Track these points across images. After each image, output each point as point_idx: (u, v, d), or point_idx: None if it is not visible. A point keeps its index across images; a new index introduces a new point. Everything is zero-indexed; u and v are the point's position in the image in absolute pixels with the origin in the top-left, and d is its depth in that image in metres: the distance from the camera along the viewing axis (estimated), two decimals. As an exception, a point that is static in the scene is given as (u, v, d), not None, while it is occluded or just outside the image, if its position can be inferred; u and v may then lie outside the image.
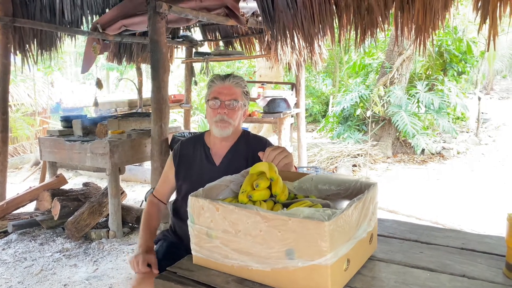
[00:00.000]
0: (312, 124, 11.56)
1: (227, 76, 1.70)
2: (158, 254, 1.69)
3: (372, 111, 7.07)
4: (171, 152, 1.85)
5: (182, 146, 1.82)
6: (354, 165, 6.59)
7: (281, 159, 1.46)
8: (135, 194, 5.26)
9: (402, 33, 2.87)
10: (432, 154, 7.24)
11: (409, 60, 7.54)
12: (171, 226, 1.87)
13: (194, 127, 9.57)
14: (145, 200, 1.86)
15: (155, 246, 1.82)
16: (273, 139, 5.87)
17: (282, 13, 3.27)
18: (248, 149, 1.74)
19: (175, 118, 10.16)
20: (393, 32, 3.00)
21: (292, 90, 5.57)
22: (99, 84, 5.29)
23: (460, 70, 7.77)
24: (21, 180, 6.40)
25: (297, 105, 5.46)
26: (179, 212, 1.78)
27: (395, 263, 1.19)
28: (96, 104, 5.61)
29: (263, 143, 1.76)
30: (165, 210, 1.88)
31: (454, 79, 7.89)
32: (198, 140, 1.82)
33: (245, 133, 1.82)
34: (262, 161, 1.41)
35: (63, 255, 3.35)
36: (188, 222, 1.19)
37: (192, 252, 1.20)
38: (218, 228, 1.11)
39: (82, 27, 4.99)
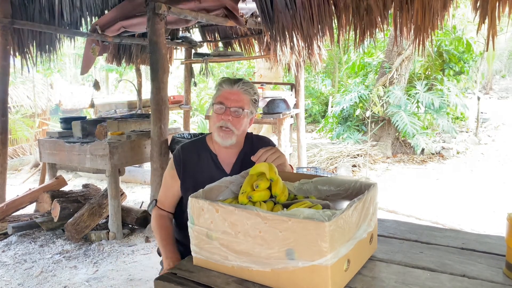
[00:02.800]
0: (312, 125, 11.57)
1: (237, 81, 1.63)
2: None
3: (371, 111, 7.07)
4: (171, 159, 1.72)
5: (184, 153, 1.70)
6: (354, 166, 6.60)
7: (273, 159, 1.46)
8: (135, 196, 5.26)
9: (401, 33, 2.88)
10: (432, 154, 7.25)
11: (408, 60, 7.55)
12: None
13: (194, 128, 9.57)
14: (150, 213, 1.76)
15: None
16: (272, 140, 5.86)
17: (281, 13, 3.27)
18: (254, 151, 1.66)
19: (175, 119, 10.17)
20: (392, 32, 3.00)
21: (291, 90, 5.57)
22: (96, 85, 5.30)
23: (458, 69, 7.77)
24: (21, 182, 6.40)
25: (296, 105, 5.47)
26: (185, 222, 1.69)
27: (395, 263, 1.19)
28: (92, 105, 5.61)
29: (266, 143, 1.74)
30: None
31: (454, 78, 7.89)
32: (201, 145, 1.72)
33: (249, 136, 1.77)
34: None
35: (63, 257, 3.35)
36: (188, 223, 1.19)
37: (192, 253, 1.20)
38: (218, 229, 1.11)
39: (81, 28, 5.00)
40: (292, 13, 3.25)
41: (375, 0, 2.85)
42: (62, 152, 3.99)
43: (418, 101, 7.41)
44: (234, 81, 1.63)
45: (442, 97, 7.24)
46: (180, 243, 1.75)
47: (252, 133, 1.81)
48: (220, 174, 1.66)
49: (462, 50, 7.66)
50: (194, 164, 1.69)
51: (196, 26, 5.81)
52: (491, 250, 1.26)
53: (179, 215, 1.75)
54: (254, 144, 1.73)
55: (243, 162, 1.68)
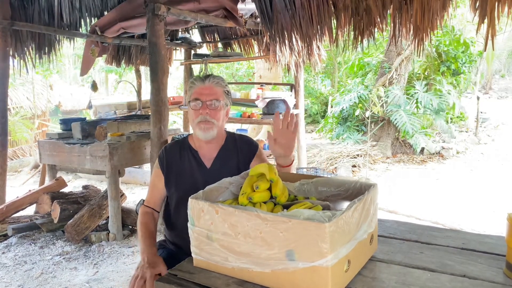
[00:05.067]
0: (311, 125, 11.57)
1: (207, 76, 1.70)
2: None
3: (371, 111, 7.08)
4: (157, 160, 1.79)
5: (167, 153, 1.77)
6: (354, 166, 6.60)
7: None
8: (135, 197, 5.26)
9: (400, 34, 2.88)
10: (432, 154, 7.25)
11: (408, 60, 7.55)
12: (165, 236, 1.84)
13: (194, 129, 9.56)
14: (137, 213, 1.79)
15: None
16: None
17: (280, 14, 3.27)
18: (237, 150, 1.76)
19: (175, 120, 10.18)
20: (391, 32, 3.00)
21: (291, 91, 5.57)
22: (94, 86, 5.30)
23: (454, 69, 7.78)
24: (21, 183, 6.39)
25: (296, 106, 5.46)
26: (174, 222, 1.75)
27: (395, 264, 1.19)
28: (90, 106, 5.62)
29: (249, 143, 1.80)
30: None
31: (454, 79, 7.90)
32: (183, 144, 1.79)
33: (231, 134, 1.82)
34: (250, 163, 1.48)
35: (63, 258, 3.34)
36: (188, 224, 1.18)
37: (192, 254, 1.20)
38: (218, 231, 1.11)
39: (80, 29, 5.00)
40: (291, 14, 3.25)
41: (374, 0, 2.85)
42: (62, 154, 3.99)
43: (417, 101, 7.41)
44: (205, 77, 1.70)
45: (441, 97, 7.24)
46: (171, 242, 1.80)
47: (234, 132, 1.86)
48: (200, 169, 1.73)
49: (462, 50, 7.67)
50: (177, 162, 1.75)
51: (196, 27, 5.81)
52: (491, 250, 1.26)
53: (168, 217, 1.79)
54: (237, 143, 1.79)
55: (224, 158, 1.74)
